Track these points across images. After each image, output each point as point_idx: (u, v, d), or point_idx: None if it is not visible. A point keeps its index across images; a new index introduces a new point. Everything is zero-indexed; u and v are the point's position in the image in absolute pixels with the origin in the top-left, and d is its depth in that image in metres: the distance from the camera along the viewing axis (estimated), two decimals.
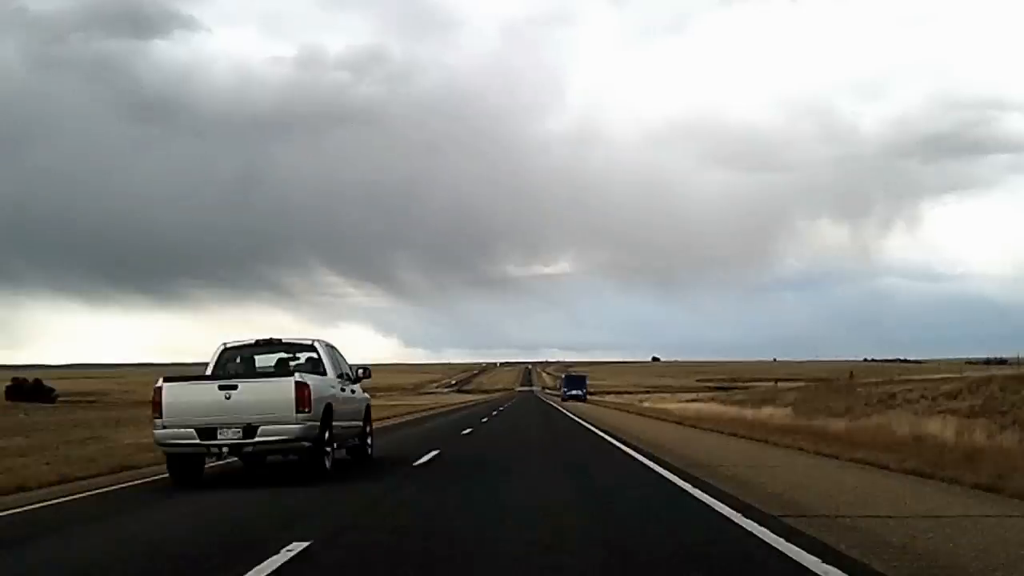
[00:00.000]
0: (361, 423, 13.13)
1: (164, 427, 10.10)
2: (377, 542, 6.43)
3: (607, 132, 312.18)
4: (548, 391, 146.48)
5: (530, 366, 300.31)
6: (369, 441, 13.64)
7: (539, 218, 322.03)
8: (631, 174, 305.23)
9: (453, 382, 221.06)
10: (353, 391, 12.78)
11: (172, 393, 10.17)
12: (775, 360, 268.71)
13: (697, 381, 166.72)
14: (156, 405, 10.18)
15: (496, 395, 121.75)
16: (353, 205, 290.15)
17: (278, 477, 11.17)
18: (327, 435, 10.74)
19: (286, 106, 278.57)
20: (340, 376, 12.08)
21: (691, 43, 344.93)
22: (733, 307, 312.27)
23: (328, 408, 10.81)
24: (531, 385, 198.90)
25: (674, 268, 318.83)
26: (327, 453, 10.72)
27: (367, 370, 13.59)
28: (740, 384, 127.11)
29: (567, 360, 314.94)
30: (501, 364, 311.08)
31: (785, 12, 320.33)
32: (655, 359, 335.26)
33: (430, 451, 14.60)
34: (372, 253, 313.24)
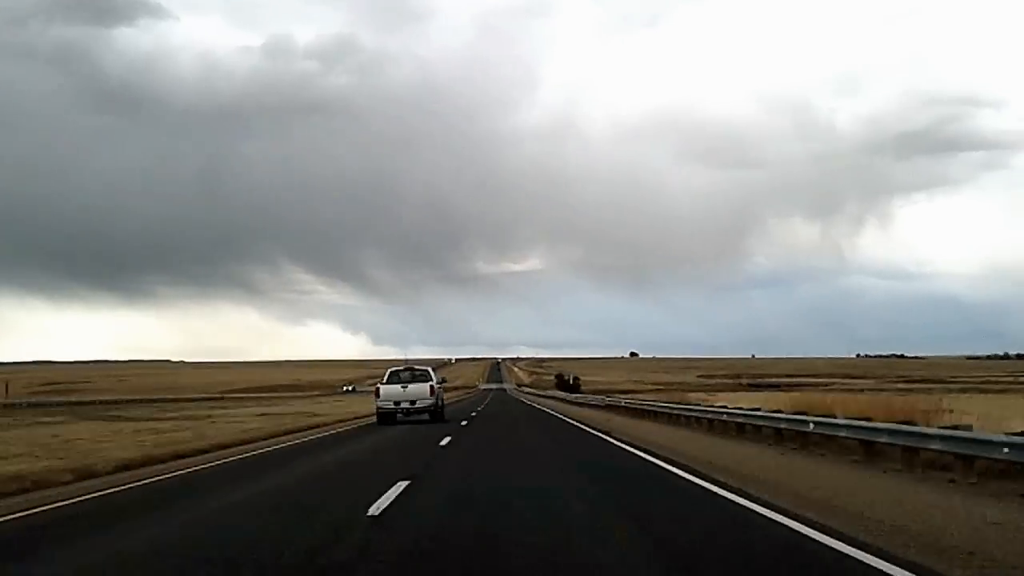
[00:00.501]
0: (442, 403, 30.04)
1: (379, 401, 27.16)
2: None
3: (580, 127, 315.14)
4: (527, 390, 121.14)
5: (499, 360, 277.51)
6: (444, 409, 29.94)
7: (510, 214, 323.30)
8: (603, 170, 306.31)
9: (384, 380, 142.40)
10: (442, 388, 29.92)
11: (383, 388, 27.21)
12: (753, 356, 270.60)
13: (727, 378, 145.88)
14: (376, 392, 27.27)
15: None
16: (322, 200, 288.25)
17: (422, 424, 27.18)
18: (439, 405, 27.87)
19: (253, 97, 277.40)
20: (437, 382, 29.19)
21: (667, 36, 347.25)
22: (705, 304, 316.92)
23: (437, 395, 27.92)
24: (501, 382, 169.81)
25: (646, 265, 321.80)
26: (440, 412, 27.84)
27: (444, 379, 30.77)
28: (766, 380, 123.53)
29: (541, 356, 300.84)
30: (456, 360, 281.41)
31: (763, 5, 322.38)
32: (633, 354, 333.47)
33: None
34: (340, 249, 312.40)
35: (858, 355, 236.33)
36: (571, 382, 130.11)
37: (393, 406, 26.87)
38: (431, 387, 27.36)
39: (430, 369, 29.28)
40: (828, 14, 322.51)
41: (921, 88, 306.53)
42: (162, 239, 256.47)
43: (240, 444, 19.36)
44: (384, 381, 27.64)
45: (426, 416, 27.14)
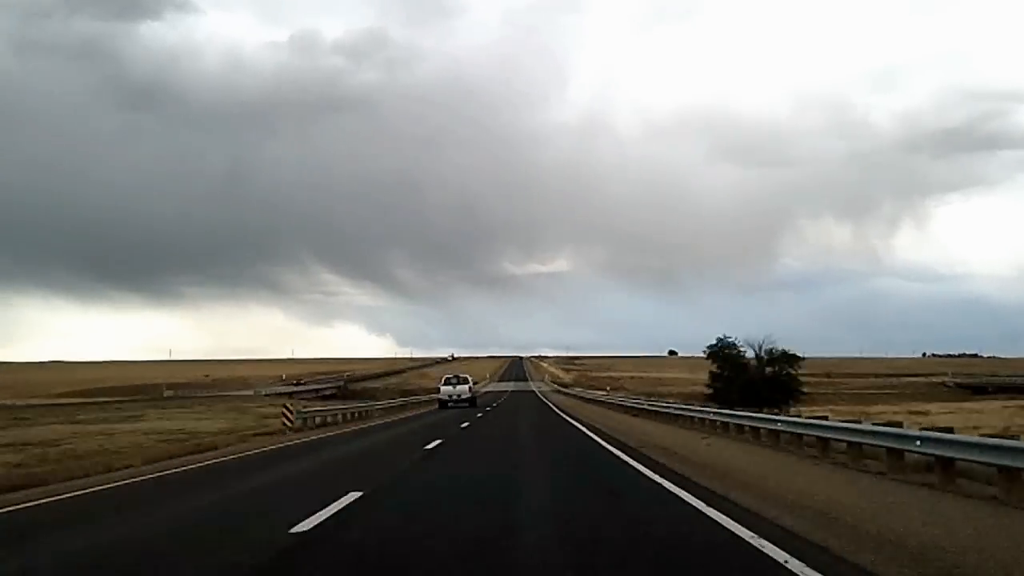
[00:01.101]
0: (475, 395, 51.27)
1: (440, 395, 48.69)
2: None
3: (609, 124, 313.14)
4: (571, 395, 70.07)
5: (520, 358, 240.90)
6: (476, 398, 51.14)
7: (537, 214, 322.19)
8: (633, 169, 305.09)
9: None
10: (475, 386, 51.28)
11: (442, 388, 48.99)
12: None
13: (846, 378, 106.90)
14: (437, 388, 48.86)
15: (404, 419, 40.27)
16: (348, 199, 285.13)
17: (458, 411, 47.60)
18: (473, 397, 49.21)
19: (280, 93, 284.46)
20: (472, 383, 50.64)
21: (699, 31, 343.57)
22: (737, 304, 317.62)
23: (473, 391, 49.40)
24: (526, 379, 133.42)
25: (676, 266, 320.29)
26: (474, 401, 49.04)
27: (475, 382, 52.02)
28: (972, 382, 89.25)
29: (571, 355, 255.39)
30: (454, 358, 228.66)
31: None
32: (672, 352, 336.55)
33: None
34: (366, 249, 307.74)
35: (925, 354, 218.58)
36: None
37: (447, 397, 47.95)
38: (469, 387, 48.78)
39: (468, 376, 50.34)
40: (865, 6, 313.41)
41: (961, 83, 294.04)
42: (188, 239, 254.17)
43: None
44: (442, 383, 49.85)
45: (465, 404, 47.88)
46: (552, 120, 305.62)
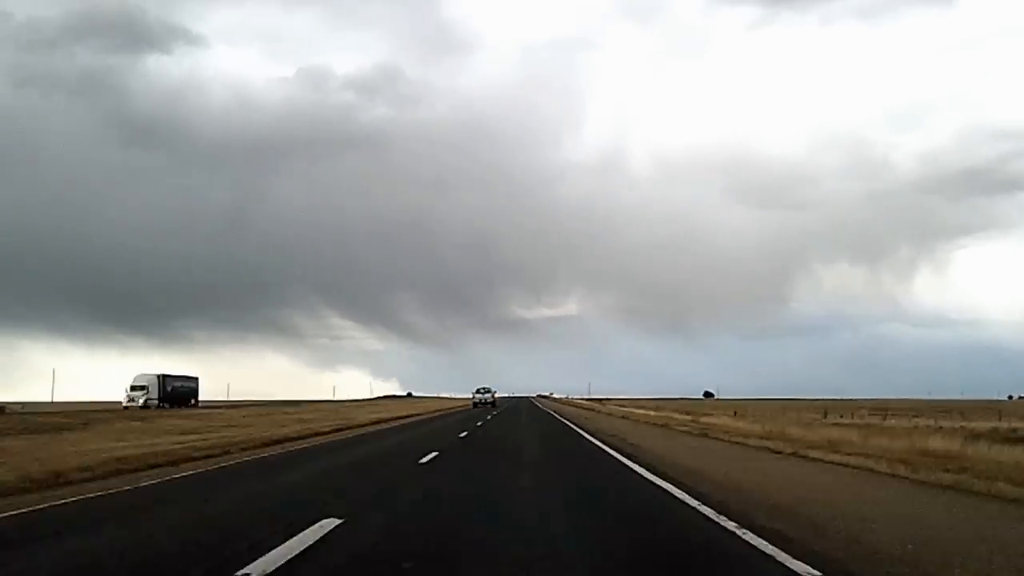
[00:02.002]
0: (495, 400, 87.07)
1: (472, 400, 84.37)
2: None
3: (621, 165, 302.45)
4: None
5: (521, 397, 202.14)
6: (496, 404, 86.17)
7: (548, 256, 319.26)
8: (648, 211, 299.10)
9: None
10: (496, 394, 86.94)
11: (475, 396, 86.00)
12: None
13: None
14: (472, 397, 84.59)
15: None
16: (356, 240, 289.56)
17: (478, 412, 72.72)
18: (495, 402, 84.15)
19: (288, 130, 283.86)
20: (494, 392, 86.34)
21: (715, 70, 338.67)
22: (746, 349, 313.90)
23: (495, 397, 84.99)
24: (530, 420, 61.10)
25: (688, 311, 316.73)
26: (494, 404, 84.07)
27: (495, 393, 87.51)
28: None
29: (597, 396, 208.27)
30: (410, 395, 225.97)
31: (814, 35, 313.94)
32: (708, 394, 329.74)
33: None
34: (372, 292, 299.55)
35: (1011, 397, 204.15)
36: None
37: (478, 400, 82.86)
38: (492, 395, 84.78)
39: (492, 388, 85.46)
40: (886, 45, 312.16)
41: (982, 123, 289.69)
42: (192, 280, 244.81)
43: None
44: (474, 392, 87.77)
45: (490, 405, 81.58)
46: (563, 160, 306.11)
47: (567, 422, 40.53)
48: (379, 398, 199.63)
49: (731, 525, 8.46)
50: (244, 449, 20.69)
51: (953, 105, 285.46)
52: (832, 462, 15.77)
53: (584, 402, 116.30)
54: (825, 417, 52.74)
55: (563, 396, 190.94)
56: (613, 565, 6.91)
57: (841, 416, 59.62)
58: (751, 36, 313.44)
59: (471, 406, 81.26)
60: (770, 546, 7.31)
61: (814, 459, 16.60)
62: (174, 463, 16.35)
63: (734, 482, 12.68)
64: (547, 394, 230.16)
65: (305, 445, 23.39)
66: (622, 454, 18.67)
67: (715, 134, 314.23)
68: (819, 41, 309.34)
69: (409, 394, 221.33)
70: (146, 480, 13.39)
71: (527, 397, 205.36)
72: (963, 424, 43.95)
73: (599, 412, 62.48)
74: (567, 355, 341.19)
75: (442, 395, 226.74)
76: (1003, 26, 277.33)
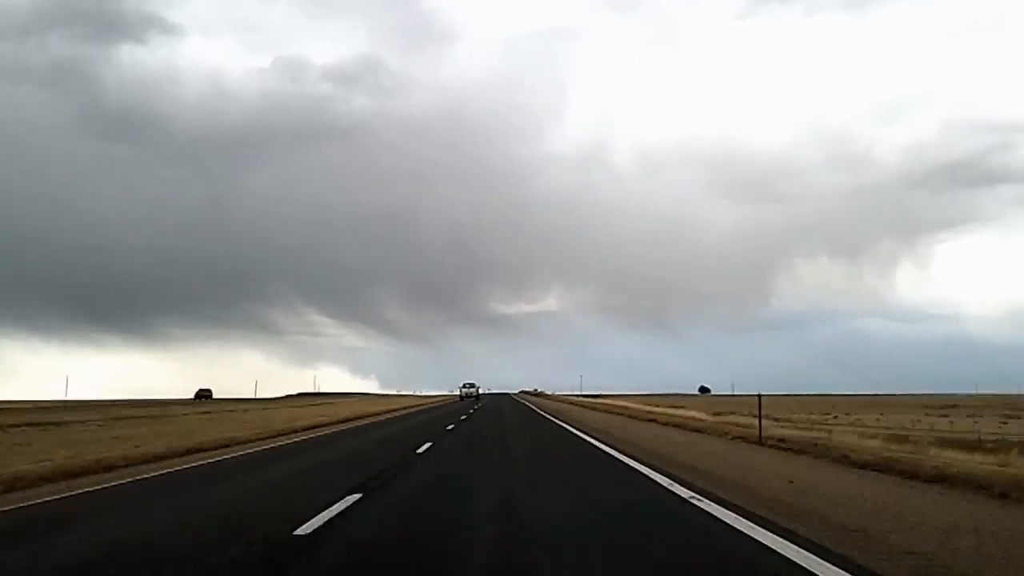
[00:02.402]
0: (479, 394, 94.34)
1: (459, 393, 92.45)
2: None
3: (604, 158, 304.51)
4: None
5: (509, 394, 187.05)
6: (480, 398, 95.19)
7: (528, 250, 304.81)
8: (630, 205, 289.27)
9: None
10: (479, 389, 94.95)
11: (462, 390, 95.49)
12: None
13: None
14: (458, 392, 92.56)
15: None
16: (334, 234, 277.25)
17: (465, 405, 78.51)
18: (479, 395, 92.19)
19: (265, 123, 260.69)
20: (478, 387, 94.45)
21: (698, 62, 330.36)
22: (727, 344, 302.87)
23: (480, 392, 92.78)
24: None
25: (671, 306, 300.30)
26: (478, 398, 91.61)
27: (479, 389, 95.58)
28: None
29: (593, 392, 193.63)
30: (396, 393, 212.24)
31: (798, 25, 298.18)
32: (704, 390, 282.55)
33: None
34: (352, 288, 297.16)
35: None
36: None
37: (464, 395, 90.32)
38: (477, 389, 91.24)
39: (477, 383, 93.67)
40: (872, 36, 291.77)
41: (967, 115, 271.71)
42: (168, 275, 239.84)
43: None
44: (461, 386, 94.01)
45: (474, 399, 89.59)
46: (544, 152, 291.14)
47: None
48: (325, 394, 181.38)
49: None
50: None
51: (938, 98, 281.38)
52: None
53: (576, 398, 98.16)
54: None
55: (551, 392, 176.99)
56: None
57: (882, 415, 61.02)
58: (736, 27, 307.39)
59: (458, 399, 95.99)
60: None
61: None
62: None
63: None
64: (532, 390, 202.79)
65: None
66: None
67: (698, 126, 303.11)
68: (804, 32, 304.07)
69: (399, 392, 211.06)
70: None
71: (508, 394, 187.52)
72: None
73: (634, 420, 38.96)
74: (549, 351, 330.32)
75: (419, 392, 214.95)
76: (989, 16, 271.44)
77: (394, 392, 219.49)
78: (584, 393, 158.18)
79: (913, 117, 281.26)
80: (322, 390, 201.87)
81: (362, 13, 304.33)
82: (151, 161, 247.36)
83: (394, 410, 61.50)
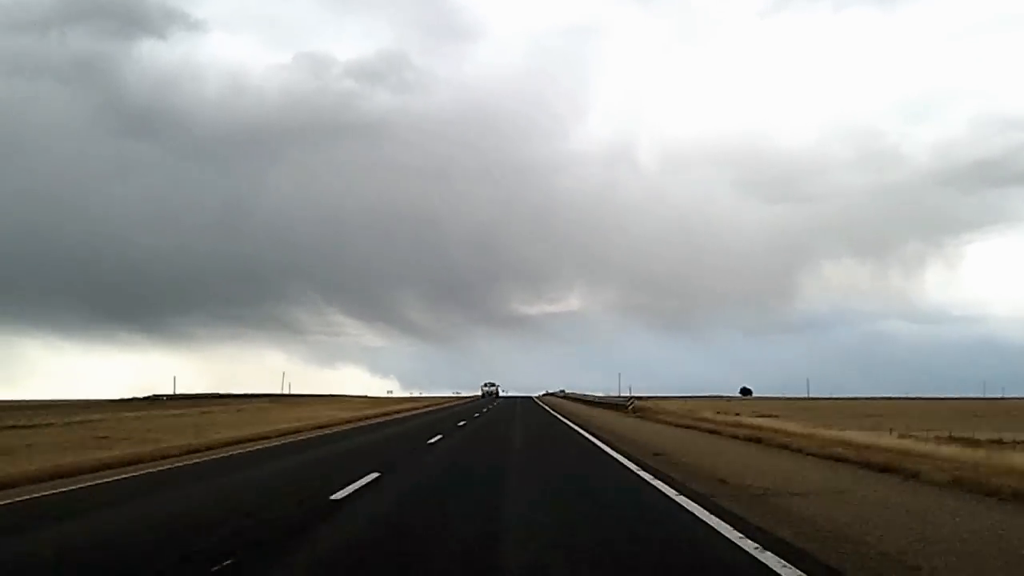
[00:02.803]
0: (499, 393, 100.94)
1: (481, 391, 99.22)
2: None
3: (629, 156, 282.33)
4: None
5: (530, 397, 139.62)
6: (499, 397, 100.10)
7: (551, 249, 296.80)
8: (654, 205, 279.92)
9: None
10: (499, 388, 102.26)
11: (483, 389, 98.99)
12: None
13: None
14: (480, 390, 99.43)
15: None
16: (355, 233, 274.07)
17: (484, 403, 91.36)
18: (499, 394, 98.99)
19: (287, 120, 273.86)
20: (498, 387, 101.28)
21: (725, 59, 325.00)
22: (752, 345, 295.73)
23: (497, 390, 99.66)
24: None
25: (692, 306, 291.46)
26: (498, 395, 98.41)
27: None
28: None
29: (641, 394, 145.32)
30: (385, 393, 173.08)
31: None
32: (745, 392, 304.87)
33: None
34: (371, 287, 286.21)
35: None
36: None
37: (485, 393, 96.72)
38: (497, 388, 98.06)
39: (497, 383, 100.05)
40: (901, 31, 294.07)
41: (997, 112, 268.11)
42: (190, 275, 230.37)
43: None
44: (483, 386, 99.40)
45: (494, 397, 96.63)
46: (568, 150, 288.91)
47: None
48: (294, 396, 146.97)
49: None
50: None
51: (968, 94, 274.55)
52: None
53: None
54: None
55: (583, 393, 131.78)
56: None
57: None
58: (763, 23, 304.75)
59: (480, 397, 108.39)
60: None
61: None
62: None
63: None
64: (557, 392, 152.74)
65: None
66: None
67: (725, 124, 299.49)
68: (832, 28, 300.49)
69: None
70: None
71: (529, 397, 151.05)
72: None
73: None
74: (572, 351, 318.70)
75: (436, 394, 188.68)
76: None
77: (413, 394, 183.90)
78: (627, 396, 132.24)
79: (943, 114, 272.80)
80: (294, 391, 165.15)
81: (386, 8, 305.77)
82: (171, 159, 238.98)
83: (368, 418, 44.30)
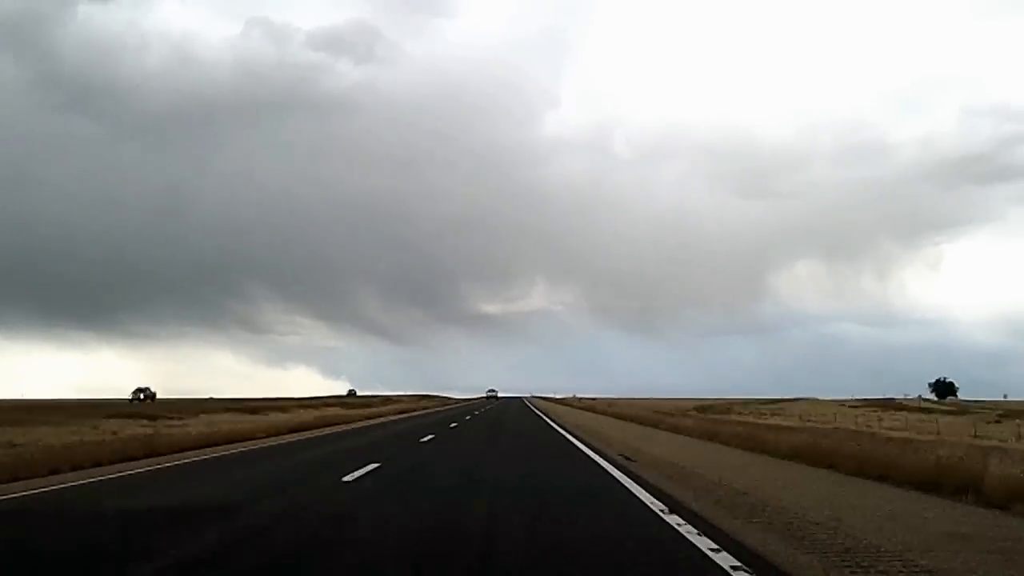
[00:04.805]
0: (498, 397, 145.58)
1: (485, 394, 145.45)
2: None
3: (602, 147, 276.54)
4: None
5: (494, 395, 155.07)
6: (498, 398, 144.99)
7: (511, 247, 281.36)
8: (627, 197, 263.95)
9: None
10: (498, 394, 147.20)
11: (487, 393, 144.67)
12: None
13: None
14: (485, 395, 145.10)
15: None
16: (308, 223, 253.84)
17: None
18: (498, 398, 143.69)
19: (238, 95, 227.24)
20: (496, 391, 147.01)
21: (704, 47, 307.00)
22: (720, 346, 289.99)
23: (498, 396, 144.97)
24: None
25: (660, 306, 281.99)
26: (497, 399, 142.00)
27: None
28: None
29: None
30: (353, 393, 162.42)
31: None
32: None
33: None
34: (327, 284, 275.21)
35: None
36: None
37: (488, 396, 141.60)
38: (496, 393, 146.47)
39: (496, 389, 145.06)
40: (885, 19, 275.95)
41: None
42: (133, 267, 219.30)
43: None
44: (486, 392, 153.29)
45: (495, 400, 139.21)
46: (539, 139, 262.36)
47: None
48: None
49: None
50: None
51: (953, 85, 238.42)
52: None
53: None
54: None
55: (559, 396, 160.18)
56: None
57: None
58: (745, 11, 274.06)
59: (484, 399, 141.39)
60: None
61: None
62: None
63: None
64: (551, 396, 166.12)
65: None
66: None
67: (696, 114, 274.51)
68: (813, 13, 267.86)
69: (351, 392, 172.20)
70: None
71: (520, 399, 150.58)
72: None
73: None
74: (537, 353, 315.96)
75: (392, 394, 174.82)
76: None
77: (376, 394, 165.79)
78: (575, 395, 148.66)
79: (929, 106, 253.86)
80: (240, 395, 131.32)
81: None
82: (112, 137, 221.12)
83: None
